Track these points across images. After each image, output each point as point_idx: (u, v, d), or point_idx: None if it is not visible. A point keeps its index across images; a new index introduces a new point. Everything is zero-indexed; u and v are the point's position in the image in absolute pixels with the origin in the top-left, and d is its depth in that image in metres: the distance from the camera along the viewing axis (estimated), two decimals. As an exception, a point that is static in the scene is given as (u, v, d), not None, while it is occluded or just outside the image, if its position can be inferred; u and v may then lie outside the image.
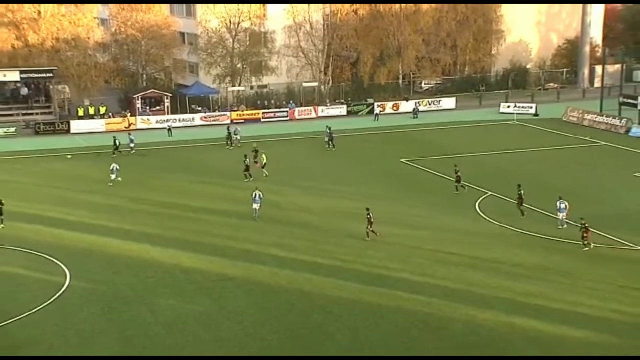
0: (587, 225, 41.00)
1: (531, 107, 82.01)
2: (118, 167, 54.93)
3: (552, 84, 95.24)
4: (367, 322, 33.35)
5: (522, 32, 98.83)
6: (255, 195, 46.49)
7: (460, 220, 46.37)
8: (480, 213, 47.93)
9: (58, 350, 30.85)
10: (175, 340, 31.86)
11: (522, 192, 46.64)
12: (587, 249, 40.80)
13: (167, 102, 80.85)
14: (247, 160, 55.75)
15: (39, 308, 34.41)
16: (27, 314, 33.79)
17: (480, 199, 50.52)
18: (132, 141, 64.41)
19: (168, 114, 79.69)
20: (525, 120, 78.31)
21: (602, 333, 31.61)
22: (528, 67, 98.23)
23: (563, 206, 43.95)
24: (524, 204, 46.52)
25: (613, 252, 40.91)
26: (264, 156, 57.20)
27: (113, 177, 54.31)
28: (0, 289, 36.79)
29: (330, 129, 66.46)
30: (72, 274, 38.18)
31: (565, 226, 43.60)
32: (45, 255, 40.62)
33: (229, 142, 67.18)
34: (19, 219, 46.53)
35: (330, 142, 65.91)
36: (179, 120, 77.85)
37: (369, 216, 42.47)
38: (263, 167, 56.43)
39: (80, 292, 36.32)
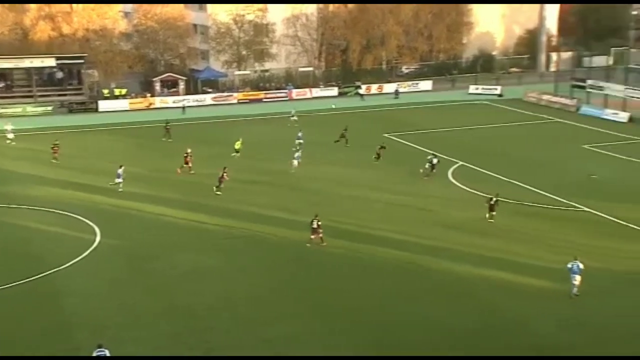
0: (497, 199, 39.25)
1: (496, 89, 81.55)
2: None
3: (514, 69, 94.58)
4: (361, 274, 33.29)
5: (488, 24, 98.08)
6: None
7: (436, 186, 46.27)
8: (453, 180, 47.82)
9: (93, 298, 30.77)
10: (191, 287, 31.94)
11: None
12: None
13: (182, 85, 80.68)
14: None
15: (74, 261, 34.29)
16: (64, 266, 33.70)
17: (453, 168, 50.38)
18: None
19: (183, 94, 79.32)
20: (491, 100, 77.97)
21: (557, 281, 31.46)
22: (494, 53, 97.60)
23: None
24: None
25: (567, 214, 40.95)
26: (238, 142, 53.76)
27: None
28: (40, 244, 36.67)
29: (345, 128, 57.44)
30: (102, 232, 37.99)
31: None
32: (79, 217, 40.39)
33: (167, 135, 59.63)
34: (56, 185, 46.31)
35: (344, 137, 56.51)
36: (193, 100, 77.52)
37: (317, 223, 35.79)
38: (237, 152, 52.83)
39: (108, 248, 36.19)
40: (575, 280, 30.28)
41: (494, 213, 39.15)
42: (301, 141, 53.94)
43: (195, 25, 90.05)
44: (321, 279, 32.89)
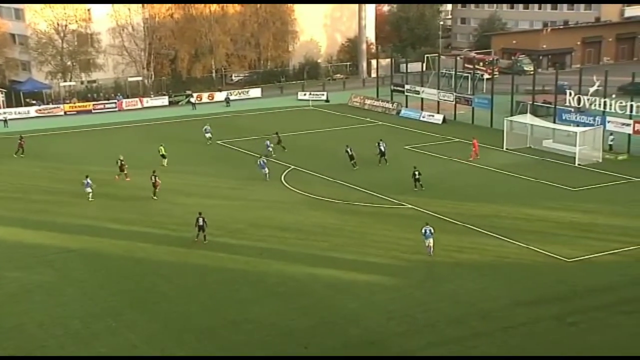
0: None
1: (323, 95, 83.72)
2: None
3: (338, 75, 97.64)
4: (195, 280, 33.13)
5: (312, 33, 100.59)
6: (261, 161, 49.02)
7: (270, 190, 46.85)
8: (285, 184, 48.61)
9: None
10: (20, 307, 30.42)
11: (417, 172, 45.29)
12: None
13: (2, 97, 76.29)
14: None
15: None
16: None
17: (285, 172, 51.20)
18: None
19: (3, 107, 74.83)
20: (318, 106, 79.89)
21: (384, 275, 33.13)
22: (319, 61, 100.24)
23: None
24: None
25: (391, 210, 42.87)
26: (161, 148, 53.34)
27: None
28: None
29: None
30: None
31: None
32: None
33: (20, 150, 56.61)
34: None
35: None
36: (15, 113, 73.52)
37: (204, 221, 36.71)
38: (164, 157, 52.58)
39: None
40: (428, 242, 34.20)
41: (420, 183, 44.92)
42: (270, 150, 54.43)
43: (13, 35, 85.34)
44: (157, 288, 32.30)
